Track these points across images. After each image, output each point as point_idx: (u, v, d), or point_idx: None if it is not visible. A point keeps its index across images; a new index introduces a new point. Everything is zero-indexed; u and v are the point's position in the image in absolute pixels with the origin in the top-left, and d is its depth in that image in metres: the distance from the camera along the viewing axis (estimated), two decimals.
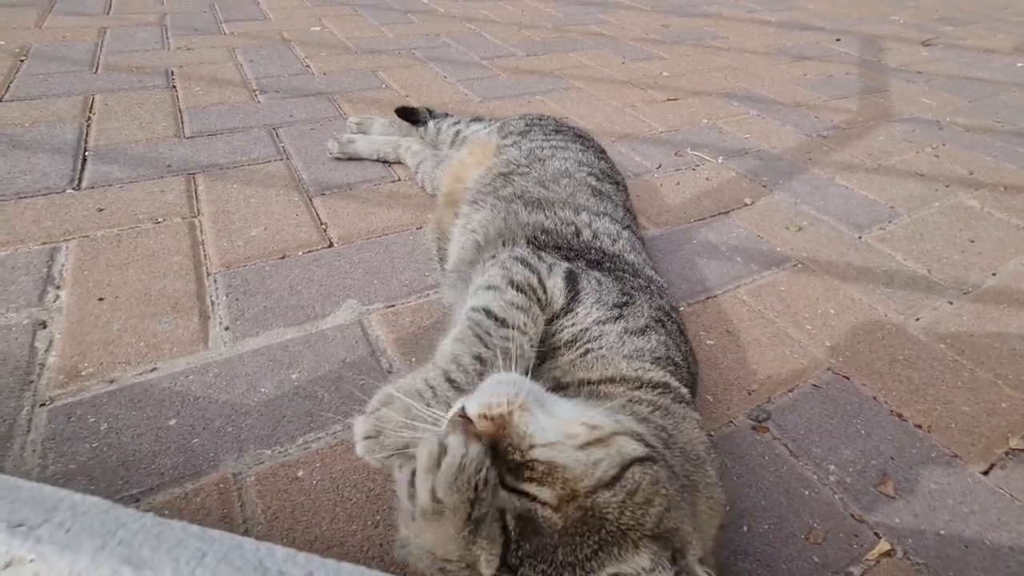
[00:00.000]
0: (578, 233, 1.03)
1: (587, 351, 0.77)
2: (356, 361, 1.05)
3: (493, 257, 0.91)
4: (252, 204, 1.46)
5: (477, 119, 1.67)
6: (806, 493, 0.90)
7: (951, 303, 1.38)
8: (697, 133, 2.17)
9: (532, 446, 0.53)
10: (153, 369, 0.99)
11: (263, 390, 0.97)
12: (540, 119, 1.50)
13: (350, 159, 1.70)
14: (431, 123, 1.71)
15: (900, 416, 1.06)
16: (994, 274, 1.50)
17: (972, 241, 1.64)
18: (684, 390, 0.77)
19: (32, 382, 0.94)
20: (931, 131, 2.37)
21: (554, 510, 0.50)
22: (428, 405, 0.65)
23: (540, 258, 0.89)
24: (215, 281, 1.20)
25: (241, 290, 1.18)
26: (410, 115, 1.81)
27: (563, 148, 1.32)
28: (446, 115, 1.77)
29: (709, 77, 2.78)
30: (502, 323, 0.74)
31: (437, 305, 1.20)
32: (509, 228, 1.04)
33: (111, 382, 0.96)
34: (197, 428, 0.89)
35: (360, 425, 0.66)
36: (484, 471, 0.50)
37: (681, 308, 1.27)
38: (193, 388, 0.96)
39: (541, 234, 1.01)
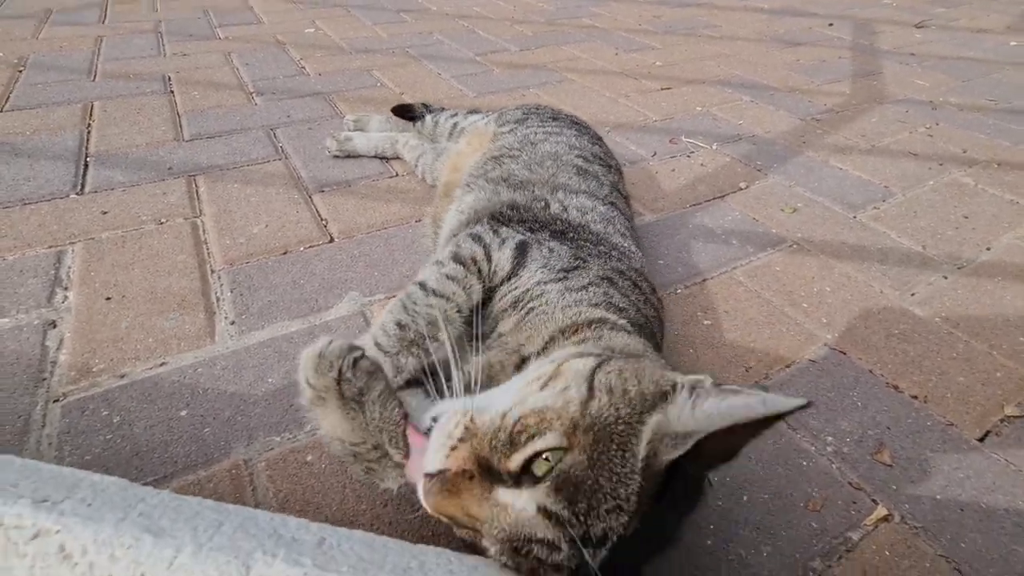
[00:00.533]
0: (547, 206, 1.06)
1: (530, 310, 0.79)
2: None
3: (454, 235, 0.99)
4: (253, 203, 1.48)
5: (474, 111, 1.69)
6: (804, 464, 0.92)
7: (946, 278, 1.39)
8: (691, 121, 2.19)
9: (504, 415, 0.56)
10: (162, 363, 1.01)
11: (270, 380, 0.99)
12: (538, 108, 1.52)
13: (348, 157, 1.73)
14: (428, 117, 1.73)
15: (896, 388, 1.08)
16: (988, 248, 1.52)
17: (966, 217, 1.65)
18: (623, 322, 0.77)
19: (45, 379, 0.97)
20: (925, 111, 2.38)
21: (569, 450, 0.52)
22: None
23: (496, 232, 0.94)
24: (219, 278, 1.22)
25: (245, 286, 1.20)
26: (406, 112, 1.83)
27: (557, 133, 1.34)
28: (442, 109, 1.79)
29: (702, 65, 2.79)
30: (432, 293, 0.83)
31: None
32: (486, 207, 1.08)
33: (122, 377, 0.98)
34: (208, 418, 0.92)
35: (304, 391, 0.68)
36: (346, 357, 0.63)
37: (678, 290, 1.29)
38: (202, 380, 0.98)
39: (510, 209, 1.04)
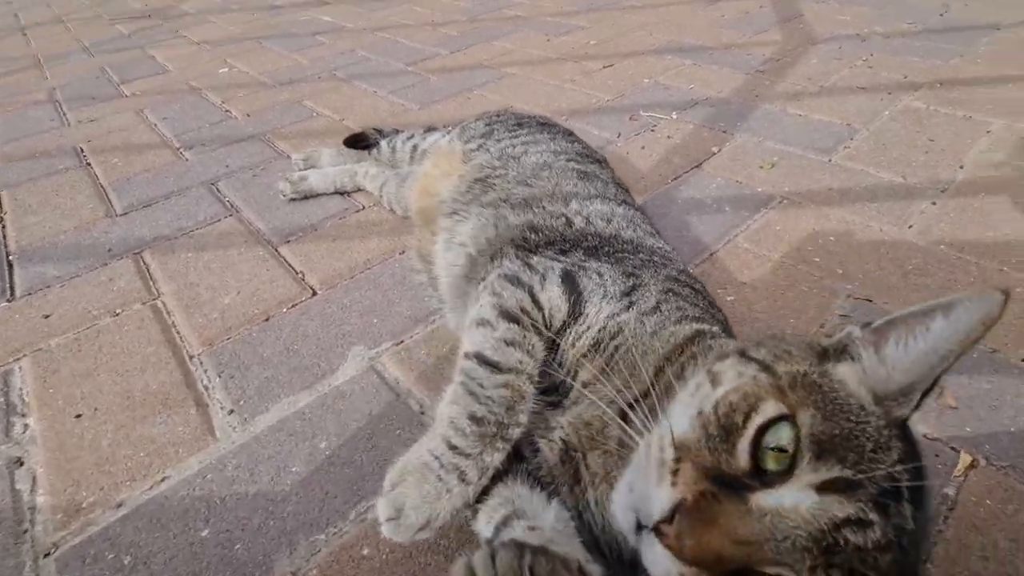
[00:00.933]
0: (569, 223, 0.98)
1: (615, 349, 0.71)
2: (383, 411, 0.96)
3: (483, 279, 0.86)
4: (215, 270, 1.33)
5: (431, 129, 1.59)
6: None
7: (934, 203, 1.41)
8: (643, 94, 2.16)
9: (701, 412, 0.52)
10: (163, 479, 0.88)
11: (294, 470, 0.88)
12: (499, 116, 1.43)
13: (306, 198, 1.59)
14: (383, 143, 1.62)
15: None
16: (961, 167, 1.55)
17: (931, 140, 1.68)
18: (715, 328, 0.75)
19: (26, 531, 0.82)
20: (856, 45, 2.44)
21: (794, 413, 0.48)
22: (439, 478, 0.64)
23: (531, 268, 0.83)
24: (200, 363, 1.08)
25: (233, 366, 1.07)
26: (359, 141, 1.70)
27: (533, 142, 1.27)
28: (397, 131, 1.68)
29: (635, 37, 2.77)
30: (495, 368, 0.70)
31: (446, 330, 1.13)
32: (500, 236, 0.99)
33: (119, 506, 0.84)
34: (235, 532, 0.80)
35: (381, 509, 0.65)
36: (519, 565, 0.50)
37: (691, 270, 1.25)
38: (215, 489, 0.85)
39: (531, 233, 0.95)
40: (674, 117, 1.96)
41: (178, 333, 1.16)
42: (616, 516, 0.55)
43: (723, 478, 0.47)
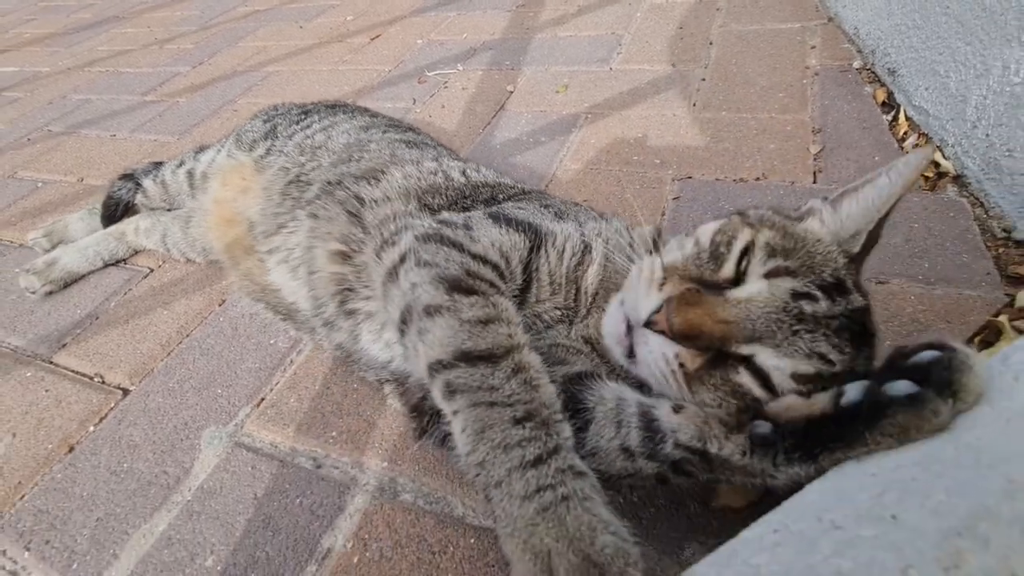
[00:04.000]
0: (449, 177, 0.89)
1: (604, 257, 0.71)
2: (271, 486, 0.79)
3: (391, 244, 0.71)
4: None
5: (201, 149, 1.32)
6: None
7: (704, 80, 1.57)
8: (421, 55, 2.07)
9: (697, 241, 0.64)
10: None
11: None
12: (277, 109, 1.24)
13: (66, 285, 1.24)
14: (147, 182, 1.30)
15: (742, 179, 1.18)
16: (711, 43, 1.74)
17: (680, 27, 1.87)
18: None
19: None
20: None
21: (757, 234, 0.60)
22: (557, 503, 0.47)
23: (447, 223, 0.70)
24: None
25: (43, 528, 0.80)
26: (118, 195, 1.33)
27: (332, 125, 1.12)
28: (157, 164, 1.36)
29: (391, 2, 2.65)
30: (489, 359, 0.54)
31: (314, 361, 0.97)
32: (363, 222, 0.82)
33: None
34: None
35: None
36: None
37: None
38: None
39: (428, 196, 0.82)
40: (461, 69, 1.91)
41: None
42: (606, 326, 0.63)
43: (704, 284, 0.57)
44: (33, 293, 1.21)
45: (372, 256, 0.74)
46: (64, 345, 1.11)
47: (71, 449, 0.90)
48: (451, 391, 0.54)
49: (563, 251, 0.70)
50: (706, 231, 0.64)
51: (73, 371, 1.05)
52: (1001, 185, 0.98)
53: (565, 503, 0.46)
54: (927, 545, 0.33)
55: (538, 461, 0.49)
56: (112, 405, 0.96)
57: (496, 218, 0.71)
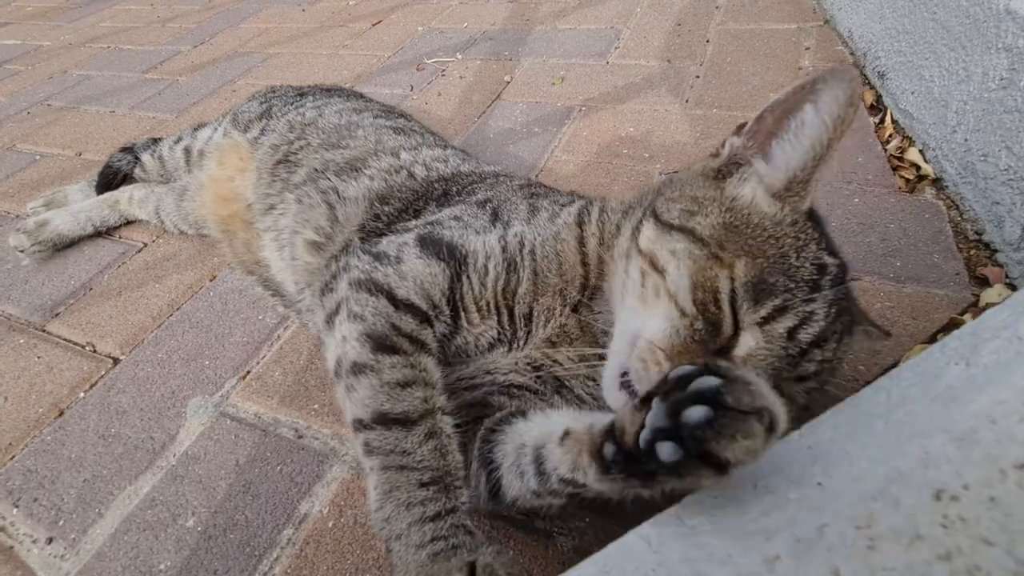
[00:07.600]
0: (412, 175, 0.90)
1: (532, 261, 0.68)
2: (253, 454, 0.82)
3: (331, 290, 0.71)
4: None
5: (200, 126, 1.34)
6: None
7: (698, 77, 1.58)
8: (421, 42, 2.08)
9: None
10: None
11: (163, 567, 0.71)
12: (274, 91, 1.26)
13: (56, 249, 1.26)
14: (144, 156, 1.32)
15: None
16: (708, 41, 1.76)
17: (679, 24, 1.88)
18: (584, 198, 0.80)
19: None
20: None
21: (733, 271, 0.55)
22: (448, 554, 0.53)
23: (380, 258, 0.69)
24: None
25: (32, 486, 0.83)
26: (110, 175, 1.35)
27: (325, 104, 1.14)
28: (155, 140, 1.38)
29: None
30: (403, 423, 0.57)
31: (300, 337, 0.99)
32: (336, 216, 0.87)
33: None
34: None
35: None
36: None
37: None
38: None
39: (381, 205, 0.85)
40: (459, 58, 1.92)
41: None
42: (610, 401, 0.58)
43: (707, 351, 0.53)
44: (22, 252, 1.22)
45: (317, 299, 0.75)
46: (57, 314, 1.13)
47: (61, 413, 0.93)
48: (368, 450, 0.58)
49: (485, 274, 0.67)
50: (664, 262, 0.57)
51: (65, 339, 1.07)
52: (976, 188, 1.00)
53: (455, 551, 0.51)
54: (844, 506, 0.35)
55: (436, 517, 0.54)
56: (103, 373, 0.99)
57: (424, 243, 0.70)
